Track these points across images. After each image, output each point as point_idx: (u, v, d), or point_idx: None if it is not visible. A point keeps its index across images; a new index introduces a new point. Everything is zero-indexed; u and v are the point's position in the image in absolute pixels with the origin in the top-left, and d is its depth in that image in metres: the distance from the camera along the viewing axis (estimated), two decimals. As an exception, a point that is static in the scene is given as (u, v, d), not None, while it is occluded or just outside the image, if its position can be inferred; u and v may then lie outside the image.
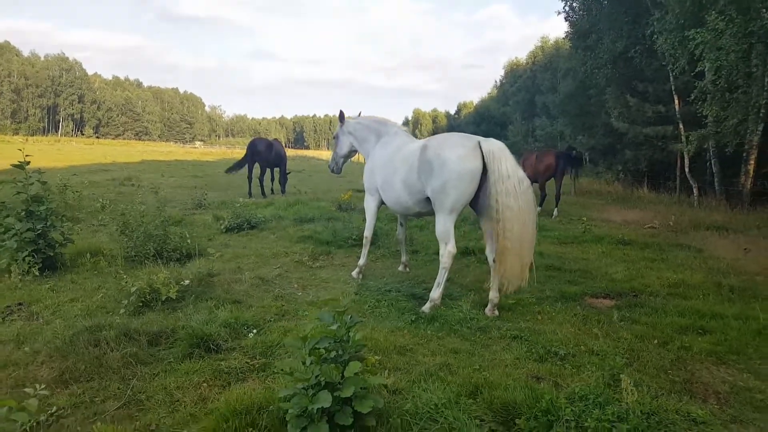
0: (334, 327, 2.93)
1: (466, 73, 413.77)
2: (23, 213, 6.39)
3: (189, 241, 7.24)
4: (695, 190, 18.06)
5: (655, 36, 17.02)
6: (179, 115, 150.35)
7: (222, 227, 10.21)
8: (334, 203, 14.25)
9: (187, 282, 5.56)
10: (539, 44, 70.88)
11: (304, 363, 2.80)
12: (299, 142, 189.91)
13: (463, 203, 5.72)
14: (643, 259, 8.99)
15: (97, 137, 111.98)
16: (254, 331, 4.70)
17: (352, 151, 7.81)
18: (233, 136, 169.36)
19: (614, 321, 5.50)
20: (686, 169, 18.57)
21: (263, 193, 17.74)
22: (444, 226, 5.72)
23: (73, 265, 6.95)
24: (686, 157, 18.33)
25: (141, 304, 5.22)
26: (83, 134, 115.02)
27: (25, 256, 6.22)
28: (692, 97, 13.46)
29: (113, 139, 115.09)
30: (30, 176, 6.48)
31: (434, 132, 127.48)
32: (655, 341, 4.97)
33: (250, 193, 17.20)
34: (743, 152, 17.57)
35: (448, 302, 5.88)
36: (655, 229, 12.47)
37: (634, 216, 15.50)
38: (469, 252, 8.73)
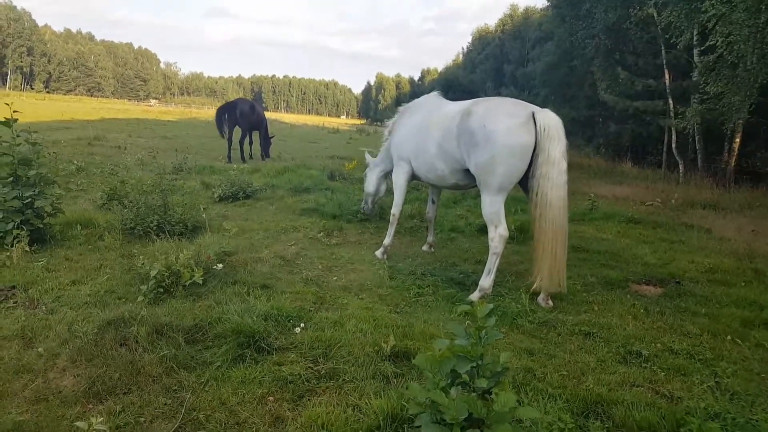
0: (466, 343, 2.35)
1: (426, 39, 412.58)
2: (10, 178, 5.51)
3: (204, 214, 6.45)
4: (681, 167, 18.02)
5: (652, 8, 16.67)
6: (133, 71, 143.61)
7: (215, 196, 9.42)
8: (324, 171, 13.51)
9: (220, 266, 4.87)
10: (508, 12, 70.16)
11: (444, 391, 2.22)
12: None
13: (512, 182, 5.16)
14: (662, 240, 8.71)
15: (48, 92, 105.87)
16: (301, 325, 4.09)
17: (383, 184, 7.40)
18: (189, 95, 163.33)
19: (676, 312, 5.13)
20: (673, 145, 18.49)
21: (243, 158, 16.81)
22: (492, 206, 5.17)
23: (64, 238, 6.12)
24: (674, 132, 18.23)
25: (161, 290, 4.51)
26: (33, 89, 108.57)
27: (12, 228, 5.37)
28: (695, 72, 13.15)
29: (64, 94, 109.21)
30: (18, 135, 5.56)
31: (398, 98, 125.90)
32: (728, 337, 4.60)
33: (229, 158, 16.23)
34: (727, 130, 17.59)
35: (497, 289, 5.37)
36: (654, 207, 12.28)
37: (624, 192, 15.33)
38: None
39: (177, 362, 3.42)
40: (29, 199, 5.51)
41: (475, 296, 5.15)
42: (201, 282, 4.59)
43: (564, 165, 4.92)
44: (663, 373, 3.85)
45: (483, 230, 8.29)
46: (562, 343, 4.32)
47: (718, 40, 11.27)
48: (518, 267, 6.47)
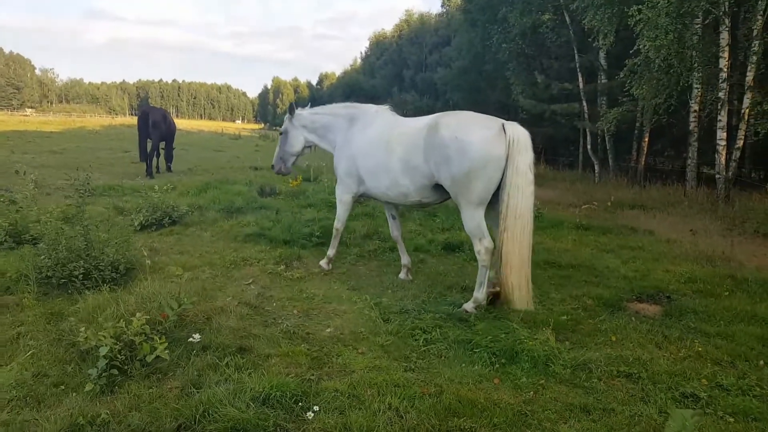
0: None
1: (320, 43, 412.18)
2: None
3: (147, 259, 5.28)
4: (597, 167, 18.57)
5: (564, 12, 17.01)
6: (5, 78, 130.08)
7: (136, 223, 8.13)
8: (252, 186, 12.36)
9: (197, 337, 3.83)
10: (404, 17, 70.99)
11: None
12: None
13: (490, 193, 5.04)
14: (621, 247, 8.54)
15: None
16: (315, 408, 3.21)
17: (307, 147, 6.84)
18: (68, 102, 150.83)
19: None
20: (588, 147, 19.02)
21: (150, 173, 15.19)
22: (473, 220, 5.07)
23: (-42, 297, 4.78)
24: (588, 134, 18.76)
25: (115, 371, 3.45)
26: None
27: None
28: (621, 75, 13.42)
29: None
30: None
31: (297, 102, 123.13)
32: (761, 362, 4.29)
33: (150, 173, 14.79)
34: (636, 130, 18.34)
35: (505, 323, 4.73)
36: (591, 210, 12.34)
37: (548, 195, 15.44)
38: (453, 247, 7.69)
39: (170, 491, 2.45)
40: None
41: (469, 307, 5.10)
42: (166, 357, 3.56)
43: (531, 176, 4.94)
44: (733, 420, 3.40)
45: (448, 248, 7.77)
46: (608, 390, 3.76)
47: (646, 44, 11.45)
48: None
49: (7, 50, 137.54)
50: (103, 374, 3.38)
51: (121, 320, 3.70)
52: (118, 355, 3.51)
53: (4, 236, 6.40)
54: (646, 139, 17.99)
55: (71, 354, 3.82)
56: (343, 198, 6.24)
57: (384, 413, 3.18)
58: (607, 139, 18.73)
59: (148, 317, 3.86)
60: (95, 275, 5.17)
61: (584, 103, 18.27)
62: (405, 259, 6.38)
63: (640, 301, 5.87)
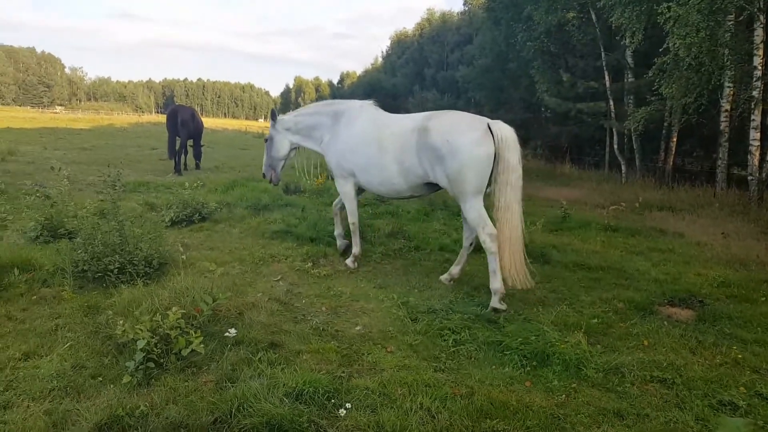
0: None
1: (339, 42, 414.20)
2: None
3: (183, 255, 5.36)
4: (623, 167, 18.30)
5: (591, 11, 16.78)
6: (36, 77, 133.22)
7: (167, 220, 8.24)
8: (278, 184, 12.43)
9: (233, 332, 3.88)
10: (426, 16, 70.72)
11: None
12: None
13: (484, 184, 5.35)
14: (651, 249, 8.41)
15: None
16: (347, 405, 3.23)
17: (293, 150, 7.03)
18: (96, 100, 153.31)
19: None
20: (615, 146, 18.75)
21: (178, 170, 15.38)
22: (473, 209, 5.35)
23: (-1, 287, 4.90)
24: (615, 134, 18.49)
25: (151, 364, 3.51)
26: None
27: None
28: (650, 74, 13.19)
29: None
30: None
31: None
32: (798, 370, 4.20)
33: (179, 170, 15.03)
34: (663, 129, 18.01)
35: (530, 325, 4.70)
36: (618, 210, 12.17)
37: (574, 194, 15.28)
38: (479, 247, 7.63)
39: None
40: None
41: (495, 303, 5.20)
42: (202, 351, 3.61)
43: (520, 171, 5.27)
44: (772, 431, 3.34)
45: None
46: (641, 395, 3.72)
47: (676, 42, 11.25)
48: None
49: (38, 50, 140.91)
50: (140, 367, 3.44)
51: (157, 314, 3.76)
52: (155, 349, 3.57)
53: (40, 230, 6.56)
54: (675, 139, 17.66)
55: (108, 346, 3.90)
56: (345, 190, 6.44)
57: (416, 413, 3.19)
58: (634, 138, 18.43)
59: (183, 311, 3.93)
60: (130, 269, 5.27)
61: (611, 102, 18.02)
62: (340, 230, 7.01)
63: (672, 305, 5.78)
